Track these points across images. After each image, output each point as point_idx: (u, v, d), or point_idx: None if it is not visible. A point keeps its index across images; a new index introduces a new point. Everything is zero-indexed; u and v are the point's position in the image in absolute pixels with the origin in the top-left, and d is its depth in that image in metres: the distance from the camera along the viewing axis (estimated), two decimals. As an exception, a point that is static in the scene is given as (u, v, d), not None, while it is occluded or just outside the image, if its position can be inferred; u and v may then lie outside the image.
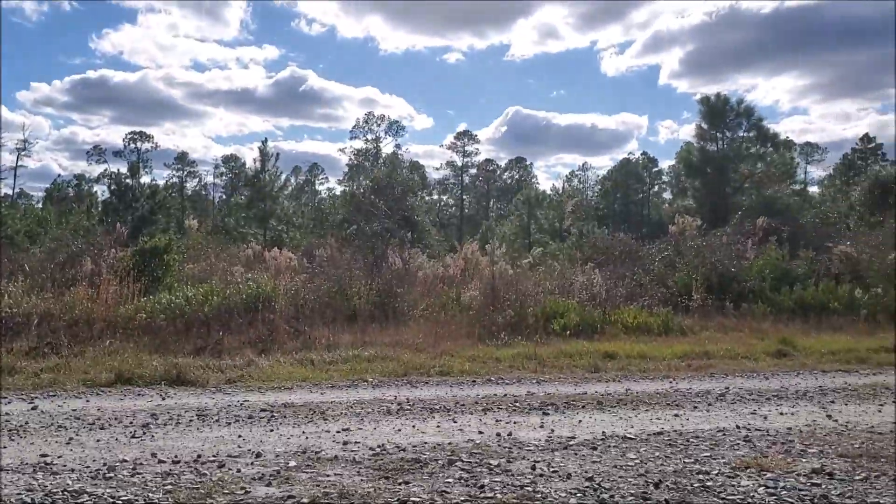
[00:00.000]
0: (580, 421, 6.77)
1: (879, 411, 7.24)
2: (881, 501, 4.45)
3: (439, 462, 5.29)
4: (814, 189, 57.88)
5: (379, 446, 5.75)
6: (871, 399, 7.86)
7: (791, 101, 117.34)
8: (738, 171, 38.36)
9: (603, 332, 13.02)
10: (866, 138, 68.16)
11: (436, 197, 77.52)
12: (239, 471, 5.08)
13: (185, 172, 78.53)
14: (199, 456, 5.44)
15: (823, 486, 4.73)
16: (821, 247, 19.09)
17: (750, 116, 40.35)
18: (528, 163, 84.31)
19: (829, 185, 55.16)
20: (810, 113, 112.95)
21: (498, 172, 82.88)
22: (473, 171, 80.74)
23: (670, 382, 8.94)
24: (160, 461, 5.32)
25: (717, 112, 39.75)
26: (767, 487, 4.69)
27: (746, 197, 36.85)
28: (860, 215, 29.90)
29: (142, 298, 12.62)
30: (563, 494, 4.59)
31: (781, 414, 7.10)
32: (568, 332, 12.79)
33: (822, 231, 24.44)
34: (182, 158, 78.54)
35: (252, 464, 5.27)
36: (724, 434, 6.18)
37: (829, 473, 5.00)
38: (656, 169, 72.19)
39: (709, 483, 4.80)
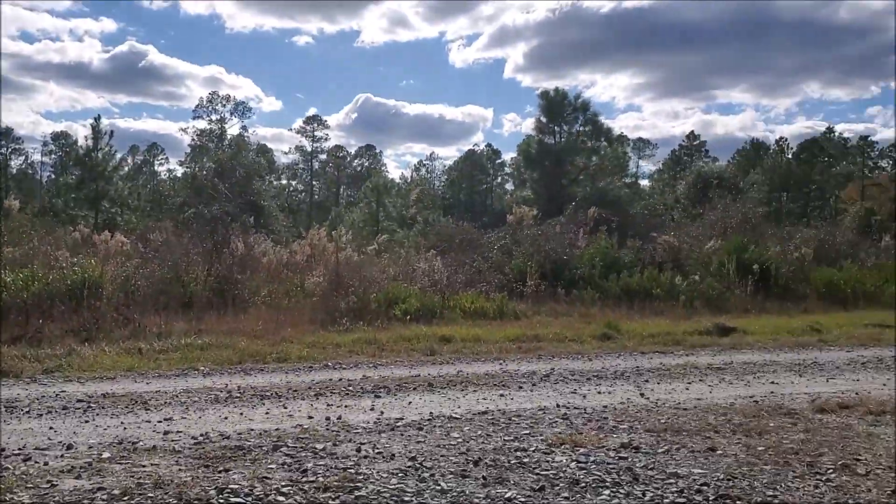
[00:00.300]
0: (410, 403, 6.86)
1: (687, 389, 7.77)
2: (678, 471, 4.77)
3: (264, 448, 5.20)
4: (645, 182, 61.26)
5: (202, 435, 5.58)
6: (681, 378, 8.42)
7: (626, 99, 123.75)
8: (574, 163, 40.13)
9: (442, 317, 13.26)
10: (692, 136, 72.95)
11: (284, 182, 76.01)
12: (46, 464, 4.78)
13: (10, 149, 72.99)
14: (2, 450, 5.07)
15: (629, 459, 5.02)
16: (647, 236, 20.28)
17: (586, 111, 42.30)
18: (377, 150, 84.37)
19: (658, 179, 58.63)
20: (643, 110, 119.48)
21: (348, 159, 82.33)
22: (323, 156, 79.81)
23: (500, 364, 9.22)
24: (-43, 457, 4.93)
25: (556, 106, 41.39)
26: (579, 462, 4.93)
27: (581, 188, 38.61)
28: (684, 208, 32.01)
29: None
30: (385, 475, 4.64)
31: (600, 393, 7.48)
32: (409, 317, 12.94)
33: (650, 222, 26.01)
34: (6, 134, 72.79)
35: (62, 456, 4.98)
36: (545, 412, 6.44)
37: (635, 447, 5.32)
38: (500, 160, 74.08)
39: (525, 459, 4.98)
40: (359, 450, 5.17)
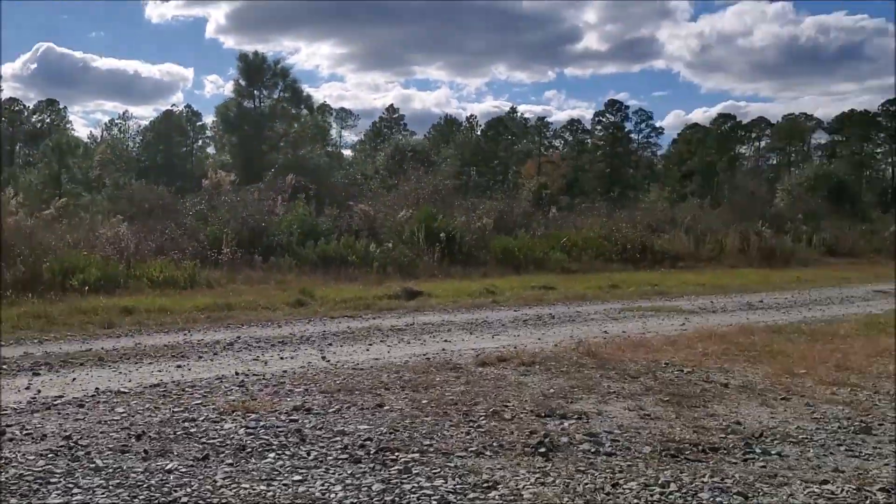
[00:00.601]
0: (74, 379, 6.34)
1: (367, 350, 8.04)
2: (345, 429, 4.92)
3: None
4: (347, 152, 62.23)
5: None
6: (364, 340, 8.68)
7: (330, 68, 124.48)
8: (274, 129, 39.63)
9: (126, 287, 12.44)
10: (391, 109, 75.32)
11: (-56, 137, 65.97)
12: None
13: None
14: None
15: (300, 421, 5.08)
16: (345, 205, 20.64)
17: (286, 78, 41.78)
18: (61, 106, 76.30)
19: (360, 149, 59.91)
20: (347, 81, 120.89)
21: (25, 114, 73.59)
22: (-5, 110, 70.44)
23: (185, 335, 8.84)
24: None
25: (255, 70, 40.48)
26: (248, 428, 4.89)
27: (281, 155, 38.19)
28: (382, 178, 33.01)
29: None
30: (32, 457, 4.24)
31: (282, 358, 7.47)
32: (87, 287, 11.96)
33: (348, 191, 26.47)
34: None
35: None
36: (222, 381, 6.30)
37: (307, 409, 5.39)
38: (200, 123, 70.89)
39: (192, 429, 4.83)
40: (3, 433, 4.66)
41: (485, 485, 3.98)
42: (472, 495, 3.85)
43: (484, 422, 5.11)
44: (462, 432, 4.87)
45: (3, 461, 4.16)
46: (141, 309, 10.46)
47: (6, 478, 3.93)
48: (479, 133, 72.23)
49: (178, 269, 13.71)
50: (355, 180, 31.99)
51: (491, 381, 6.32)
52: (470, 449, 4.54)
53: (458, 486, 3.97)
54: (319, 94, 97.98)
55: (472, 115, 78.08)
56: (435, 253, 17.27)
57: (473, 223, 19.82)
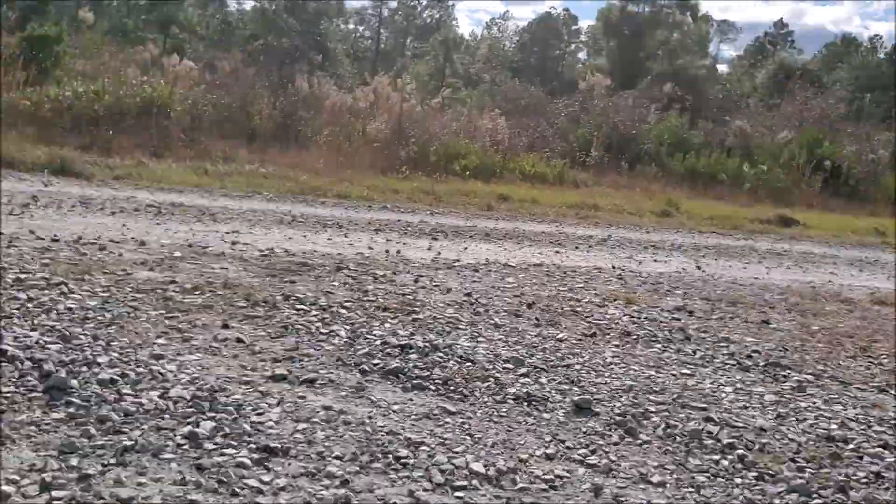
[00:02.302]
0: (466, 248, 6.90)
1: (744, 268, 7.76)
2: (730, 337, 4.76)
3: (327, 268, 5.33)
4: (723, 67, 57.91)
5: (268, 249, 5.74)
6: (739, 258, 8.41)
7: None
8: (655, 36, 37.98)
9: (501, 177, 13.02)
10: (780, 23, 68.21)
11: (352, 27, 73.57)
12: (121, 255, 4.96)
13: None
14: (79, 238, 5.21)
15: (682, 321, 5.05)
16: (719, 120, 19.33)
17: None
18: (450, 3, 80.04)
19: (737, 64, 55.33)
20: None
21: (418, 9, 78.81)
22: (394, 4, 76.44)
23: (557, 226, 9.22)
24: (38, 238, 5.18)
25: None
26: (631, 316, 4.98)
27: (658, 63, 36.48)
28: (761, 97, 30.16)
29: (28, 88, 11.67)
30: (441, 305, 4.73)
31: (655, 261, 7.49)
32: (468, 172, 12.73)
33: (726, 106, 24.65)
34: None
35: (135, 250, 5.17)
36: (600, 272, 6.47)
37: (689, 311, 5.32)
38: (576, 27, 70.29)
39: (578, 309, 5.07)
40: (416, 280, 5.26)
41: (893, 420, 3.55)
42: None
43: (886, 361, 4.56)
44: (861, 366, 4.42)
45: (419, 304, 4.61)
46: (515, 198, 10.97)
47: (423, 317, 4.40)
48: (882, 56, 62.58)
49: (548, 166, 14.11)
50: (730, 96, 29.51)
51: (891, 322, 5.65)
52: (871, 384, 4.08)
53: (859, 416, 3.60)
54: (703, 5, 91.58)
55: (876, 35, 68.11)
56: (816, 182, 15.60)
57: (865, 155, 17.42)
